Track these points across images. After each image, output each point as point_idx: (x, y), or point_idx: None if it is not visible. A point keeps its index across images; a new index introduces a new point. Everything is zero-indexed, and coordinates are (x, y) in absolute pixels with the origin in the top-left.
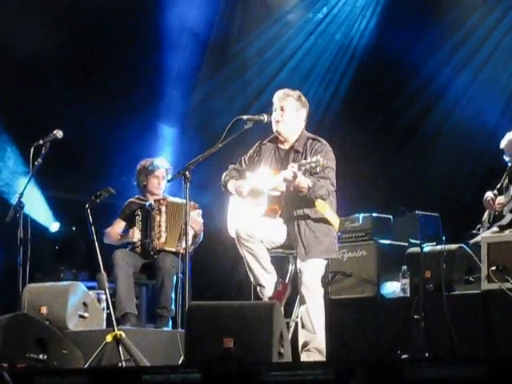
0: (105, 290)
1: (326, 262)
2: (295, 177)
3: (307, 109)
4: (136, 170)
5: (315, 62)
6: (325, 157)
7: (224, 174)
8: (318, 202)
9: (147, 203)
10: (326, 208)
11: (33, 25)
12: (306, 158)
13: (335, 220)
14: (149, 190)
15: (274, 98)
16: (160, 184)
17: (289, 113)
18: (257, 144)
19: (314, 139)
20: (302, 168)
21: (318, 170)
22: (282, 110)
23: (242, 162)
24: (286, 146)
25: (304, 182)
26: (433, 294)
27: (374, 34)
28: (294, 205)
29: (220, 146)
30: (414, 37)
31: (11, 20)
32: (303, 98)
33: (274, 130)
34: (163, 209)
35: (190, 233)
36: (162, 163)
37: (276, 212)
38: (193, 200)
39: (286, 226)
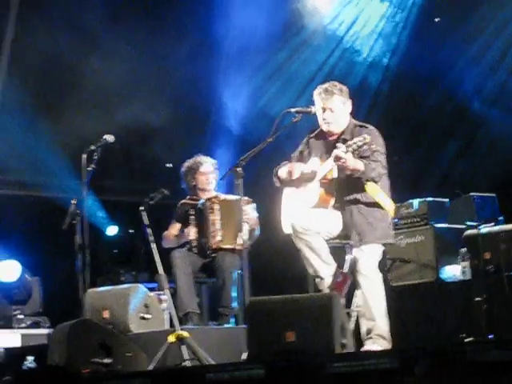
0: (165, 291)
1: (382, 247)
2: (345, 158)
3: (350, 97)
4: (181, 172)
5: None
6: (373, 141)
7: (277, 168)
8: (369, 186)
9: (199, 202)
10: (378, 191)
11: None
12: None
13: (388, 204)
14: (200, 188)
15: (315, 95)
16: (209, 179)
17: (337, 111)
18: (305, 138)
19: (361, 126)
20: (350, 148)
21: (365, 149)
22: (331, 111)
23: (293, 158)
24: (334, 137)
25: (356, 163)
26: (494, 276)
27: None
28: (345, 191)
29: (270, 140)
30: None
31: None
32: (344, 88)
33: (326, 130)
34: (216, 207)
35: (246, 228)
36: (206, 159)
37: (328, 201)
38: (246, 195)
39: (340, 214)
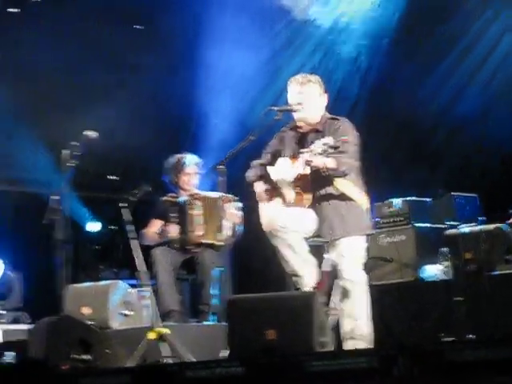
0: (146, 288)
1: (364, 244)
2: (313, 161)
3: (326, 92)
4: (165, 167)
5: None
6: (343, 132)
7: (248, 172)
8: (337, 182)
9: (181, 199)
10: (348, 185)
11: None
12: (324, 137)
13: (361, 196)
14: (180, 187)
15: (291, 82)
16: (191, 180)
17: (312, 97)
18: (278, 133)
19: (333, 118)
20: (313, 153)
21: (331, 150)
22: (306, 95)
23: (267, 154)
24: (306, 129)
25: (326, 162)
26: (474, 275)
27: None
28: (317, 187)
29: (252, 138)
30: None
31: None
32: (322, 81)
33: (296, 117)
34: (197, 203)
35: (228, 225)
36: (192, 159)
37: (304, 199)
38: (230, 193)
39: (315, 211)
